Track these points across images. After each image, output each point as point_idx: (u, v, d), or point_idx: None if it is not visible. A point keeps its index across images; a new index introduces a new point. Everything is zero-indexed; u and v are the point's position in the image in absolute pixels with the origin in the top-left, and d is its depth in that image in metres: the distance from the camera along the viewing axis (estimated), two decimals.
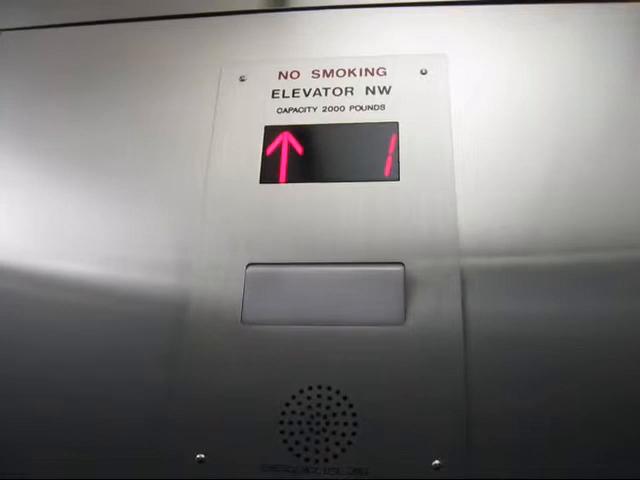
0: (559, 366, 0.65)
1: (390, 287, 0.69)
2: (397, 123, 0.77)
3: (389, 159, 0.75)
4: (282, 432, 0.65)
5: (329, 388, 0.66)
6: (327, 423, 0.65)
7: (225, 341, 0.69)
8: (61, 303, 0.73)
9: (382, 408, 0.65)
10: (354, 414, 0.65)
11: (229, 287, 0.71)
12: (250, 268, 0.71)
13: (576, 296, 0.68)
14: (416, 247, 0.70)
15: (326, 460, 0.64)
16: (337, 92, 0.81)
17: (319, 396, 0.66)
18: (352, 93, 0.80)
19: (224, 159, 0.78)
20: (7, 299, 0.74)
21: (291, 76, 0.82)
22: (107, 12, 0.91)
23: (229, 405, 0.66)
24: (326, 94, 0.80)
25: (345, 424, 0.65)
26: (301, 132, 0.78)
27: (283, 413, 0.66)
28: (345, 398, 0.66)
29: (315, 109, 0.80)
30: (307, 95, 0.81)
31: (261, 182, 0.76)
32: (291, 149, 0.77)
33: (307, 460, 0.64)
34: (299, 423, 0.65)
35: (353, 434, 0.64)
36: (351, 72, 0.82)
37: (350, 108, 0.79)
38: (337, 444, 0.64)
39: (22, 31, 0.92)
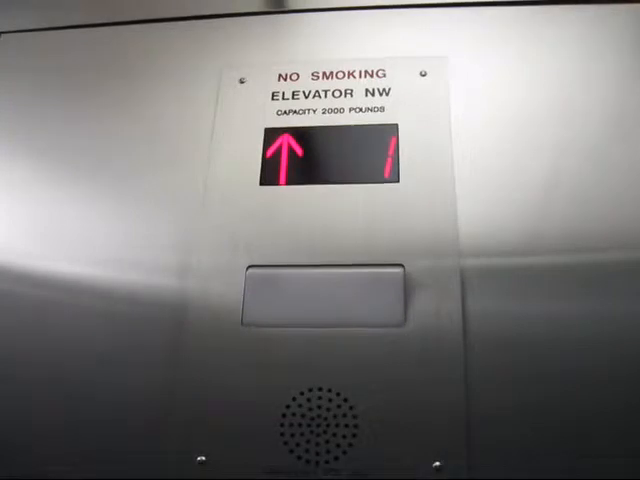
0: (559, 367, 0.65)
1: (390, 289, 0.69)
2: (397, 125, 0.77)
3: (389, 161, 0.75)
4: (282, 434, 0.65)
5: (329, 390, 0.66)
6: (327, 425, 0.65)
7: (225, 343, 0.69)
8: (60, 304, 0.73)
9: (382, 410, 0.65)
10: (354, 416, 0.65)
11: (229, 289, 0.71)
12: (250, 270, 0.72)
13: (576, 297, 0.68)
14: (416, 249, 0.70)
15: (327, 462, 0.64)
16: (337, 94, 0.81)
17: (319, 398, 0.66)
18: (352, 95, 0.80)
19: (224, 161, 0.78)
20: (6, 300, 0.74)
21: (291, 78, 0.82)
22: (106, 15, 0.91)
23: (230, 407, 0.66)
24: (326, 96, 0.81)
25: (346, 426, 0.65)
26: (301, 134, 0.78)
27: (284, 415, 0.66)
28: (345, 400, 0.66)
29: (315, 111, 0.80)
30: (307, 97, 0.81)
31: (261, 184, 0.76)
32: (291, 151, 0.77)
33: (308, 462, 0.64)
34: (299, 425, 0.65)
35: (353, 436, 0.64)
36: (351, 74, 0.82)
37: (350, 110, 0.79)
38: (338, 446, 0.64)
39: (22, 33, 0.92)
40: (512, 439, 0.63)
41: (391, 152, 0.76)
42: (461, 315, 0.67)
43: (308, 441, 0.65)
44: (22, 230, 0.78)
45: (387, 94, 0.80)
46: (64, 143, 0.83)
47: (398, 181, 0.74)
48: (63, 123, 0.84)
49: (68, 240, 0.77)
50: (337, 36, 0.85)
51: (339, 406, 0.66)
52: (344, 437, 0.65)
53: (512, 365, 0.66)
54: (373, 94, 0.80)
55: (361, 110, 0.79)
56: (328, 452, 0.64)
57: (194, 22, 0.89)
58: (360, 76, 0.81)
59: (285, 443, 0.65)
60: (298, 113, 0.80)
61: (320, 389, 0.66)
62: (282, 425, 0.65)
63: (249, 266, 0.72)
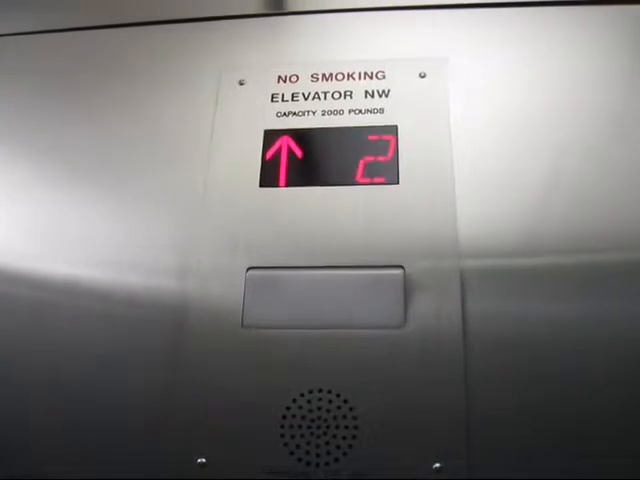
0: (559, 367, 0.65)
1: (390, 290, 0.69)
2: (396, 126, 0.77)
3: (388, 162, 0.75)
4: (283, 435, 0.65)
5: (330, 391, 0.66)
6: (328, 426, 0.65)
7: (225, 345, 0.69)
8: (60, 306, 0.73)
9: (382, 411, 0.65)
10: (355, 417, 0.65)
11: (229, 291, 0.71)
12: (250, 272, 0.72)
13: (576, 297, 0.68)
14: (416, 250, 0.70)
15: (327, 464, 0.64)
16: (336, 96, 0.81)
17: (320, 399, 0.66)
18: (351, 97, 0.80)
19: (224, 163, 0.78)
20: (5, 302, 0.74)
21: (290, 80, 0.83)
22: (106, 17, 0.92)
23: (230, 409, 0.66)
24: (325, 98, 0.81)
25: (346, 427, 0.65)
26: (300, 136, 0.78)
27: (284, 417, 0.66)
28: (346, 401, 0.66)
29: (314, 113, 0.80)
30: (306, 99, 0.81)
31: (261, 186, 0.76)
32: (290, 153, 0.77)
33: (308, 464, 0.64)
34: (300, 426, 0.65)
35: (354, 437, 0.64)
36: (350, 76, 0.82)
37: (349, 112, 0.79)
38: (338, 447, 0.64)
39: (20, 36, 0.92)
40: (512, 439, 0.63)
41: (390, 154, 0.76)
42: (461, 316, 0.67)
43: (308, 442, 0.65)
44: (21, 231, 0.78)
45: (386, 96, 0.80)
46: (63, 145, 0.83)
47: (398, 182, 0.74)
48: (62, 125, 0.84)
49: (67, 241, 0.77)
50: (336, 38, 0.86)
51: (339, 407, 0.66)
52: (344, 438, 0.65)
53: (512, 366, 0.66)
54: (372, 96, 0.80)
55: (360, 112, 0.79)
56: (328, 453, 0.64)
57: (194, 24, 0.89)
58: (359, 78, 0.81)
59: (285, 444, 0.65)
60: (297, 115, 0.80)
61: (320, 390, 0.66)
62: (282, 426, 0.65)
63: (249, 268, 0.72)
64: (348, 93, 0.81)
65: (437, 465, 0.63)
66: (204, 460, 0.65)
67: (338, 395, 0.66)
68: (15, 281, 0.75)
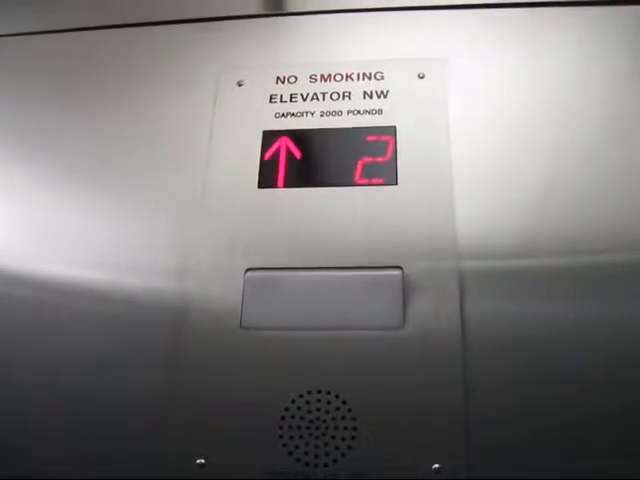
0: (557, 368, 0.65)
1: (389, 291, 0.69)
2: (395, 127, 0.77)
3: (387, 163, 0.75)
4: (282, 436, 0.65)
5: (328, 392, 0.66)
6: (326, 427, 0.65)
7: (224, 346, 0.69)
8: (59, 307, 0.73)
9: (381, 412, 0.65)
10: (353, 418, 0.65)
11: (228, 292, 0.71)
12: (249, 273, 0.72)
13: (574, 299, 0.68)
14: (414, 251, 0.71)
15: (325, 465, 0.64)
16: (335, 97, 0.81)
17: (318, 400, 0.66)
18: (350, 97, 0.80)
19: (222, 163, 0.78)
20: (4, 303, 0.74)
21: (288, 81, 0.83)
22: (106, 18, 0.92)
23: (229, 410, 0.66)
24: (324, 99, 0.81)
25: (345, 428, 0.65)
26: (299, 137, 0.78)
27: (283, 418, 0.66)
28: (344, 402, 0.66)
29: (313, 114, 0.80)
30: (305, 100, 0.81)
31: (259, 187, 0.76)
32: (289, 154, 0.77)
33: (307, 465, 0.64)
34: (299, 427, 0.65)
35: (352, 438, 0.65)
36: (348, 76, 0.82)
37: (348, 112, 0.79)
38: (337, 448, 0.64)
39: (21, 37, 0.92)
40: (511, 440, 0.63)
41: (389, 154, 0.76)
42: (459, 317, 0.67)
43: (307, 443, 0.65)
44: (20, 232, 0.78)
45: (385, 96, 0.80)
46: (62, 145, 0.83)
47: (396, 183, 0.74)
48: (62, 125, 0.84)
49: (66, 242, 0.77)
50: (335, 38, 0.86)
51: (338, 408, 0.66)
52: (343, 439, 0.65)
53: (510, 366, 0.66)
54: (371, 96, 0.80)
55: (359, 112, 0.79)
56: (327, 454, 0.64)
57: (193, 25, 0.89)
58: (358, 78, 0.81)
59: (284, 445, 0.65)
60: (296, 116, 0.80)
61: (319, 391, 0.66)
62: (281, 427, 0.65)
63: (248, 269, 0.72)
64: (347, 94, 0.81)
65: (436, 465, 0.63)
66: (203, 461, 0.65)
67: (337, 396, 0.66)
68: (14, 282, 0.75)
